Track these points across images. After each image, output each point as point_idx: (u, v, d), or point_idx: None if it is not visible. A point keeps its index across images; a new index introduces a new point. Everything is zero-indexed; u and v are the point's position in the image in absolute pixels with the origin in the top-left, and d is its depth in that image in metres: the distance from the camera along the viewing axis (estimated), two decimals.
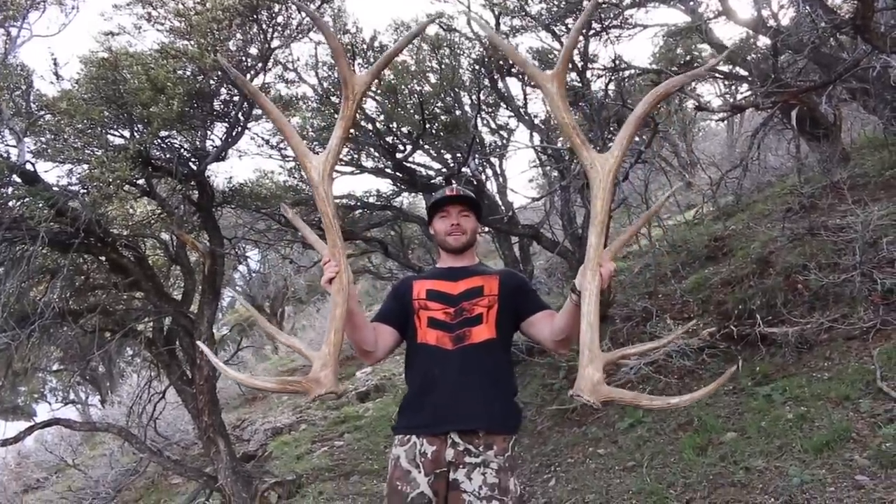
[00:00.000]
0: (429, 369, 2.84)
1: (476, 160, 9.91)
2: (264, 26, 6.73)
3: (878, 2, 5.75)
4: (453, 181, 9.00)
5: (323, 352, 2.34)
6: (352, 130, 9.15)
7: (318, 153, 2.41)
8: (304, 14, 6.86)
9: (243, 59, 6.81)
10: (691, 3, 9.15)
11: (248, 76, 6.90)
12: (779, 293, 6.57)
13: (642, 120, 2.35)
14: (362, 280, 20.95)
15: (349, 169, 10.34)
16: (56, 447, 13.69)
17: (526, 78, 9.33)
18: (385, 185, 10.52)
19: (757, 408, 5.25)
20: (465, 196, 3.05)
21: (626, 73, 9.64)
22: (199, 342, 2.88)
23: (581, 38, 9.02)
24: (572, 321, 2.53)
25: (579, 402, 2.23)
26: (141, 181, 6.81)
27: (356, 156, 10.29)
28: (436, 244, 3.19)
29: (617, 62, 9.12)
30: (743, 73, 10.70)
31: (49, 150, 6.13)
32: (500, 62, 8.76)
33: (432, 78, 9.51)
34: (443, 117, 9.77)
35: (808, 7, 6.83)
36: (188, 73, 6.48)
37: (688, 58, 12.29)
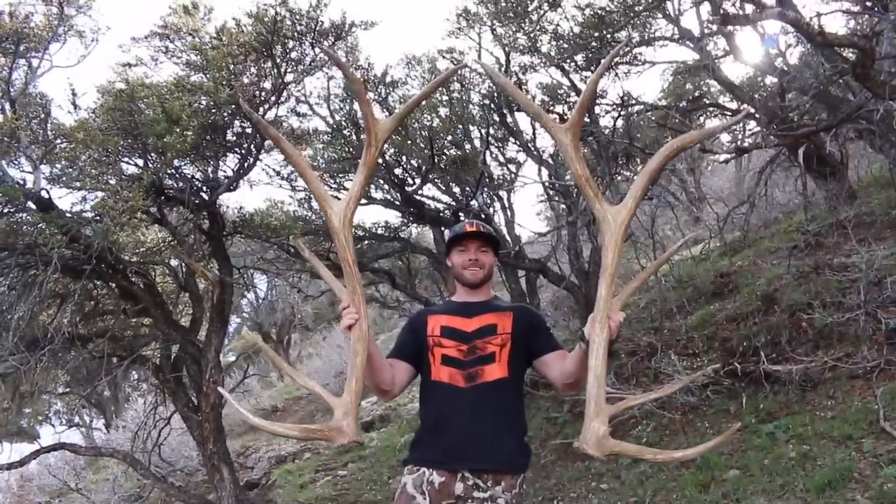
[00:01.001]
0: (442, 407, 2.86)
1: (484, 194, 9.99)
2: (278, 61, 6.86)
3: (879, 51, 5.83)
4: (462, 215, 9.09)
5: (345, 399, 2.37)
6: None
7: (334, 191, 2.47)
8: (317, 50, 7.01)
9: (257, 92, 6.93)
10: (700, 41, 9.25)
11: (262, 109, 7.02)
12: (783, 331, 6.58)
13: (657, 173, 2.38)
14: (369, 309, 20.93)
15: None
16: (59, 471, 13.65)
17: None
18: (394, 217, 10.60)
19: (760, 445, 5.26)
20: (485, 233, 3.08)
21: (635, 108, 9.73)
22: (220, 388, 2.90)
23: (590, 74, 9.14)
24: (581, 368, 2.56)
25: (583, 453, 2.24)
26: (153, 209, 6.90)
27: (366, 188, 10.36)
28: (452, 277, 3.21)
29: (625, 98, 9.22)
30: (751, 110, 10.78)
31: (64, 178, 6.24)
32: (510, 98, 8.86)
33: (442, 112, 9.62)
34: (452, 151, 9.86)
35: (812, 50, 6.92)
36: (203, 106, 6.59)
37: (696, 94, 12.39)
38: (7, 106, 6.42)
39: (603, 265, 2.32)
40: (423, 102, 9.11)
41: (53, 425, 22.03)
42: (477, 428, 2.78)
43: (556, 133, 2.39)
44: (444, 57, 9.71)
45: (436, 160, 8.86)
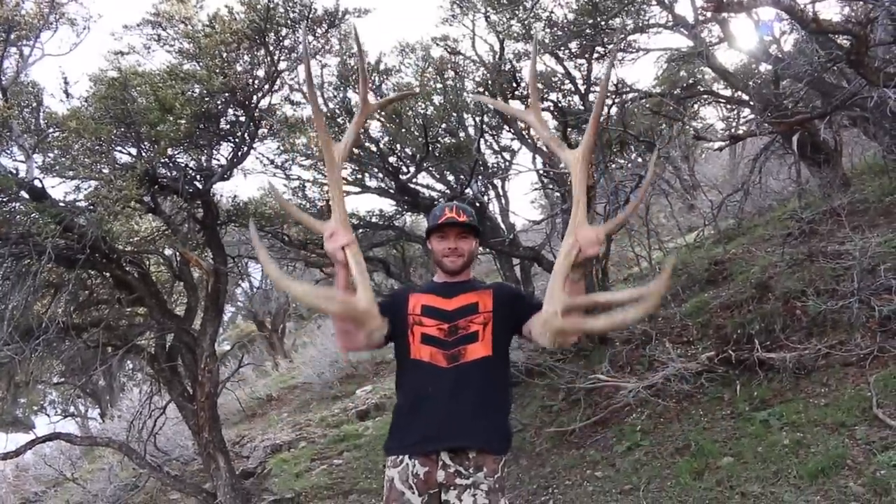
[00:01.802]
0: (421, 386, 2.85)
1: (479, 182, 9.98)
2: (272, 49, 6.82)
3: (873, 38, 5.83)
4: (454, 201, 9.07)
5: (366, 294, 2.46)
6: (356, 150, 9.24)
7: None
8: (311, 38, 6.98)
9: (250, 80, 6.90)
10: (694, 28, 9.24)
11: (255, 98, 6.99)
12: (777, 318, 6.60)
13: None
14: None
15: (354, 189, 10.42)
16: (55, 461, 13.66)
17: (529, 102, 9.40)
18: (388, 206, 10.58)
19: (754, 433, 5.28)
20: (463, 221, 3.04)
21: (629, 96, 9.73)
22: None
23: (584, 62, 9.14)
24: None
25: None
26: (147, 198, 6.88)
27: (360, 176, 10.36)
28: (433, 261, 3.21)
29: (619, 85, 9.21)
30: (745, 97, 10.78)
31: (57, 167, 6.21)
32: (503, 85, 8.84)
33: (436, 100, 9.59)
34: (446, 139, 9.84)
35: (806, 37, 6.92)
36: (196, 94, 6.56)
37: (690, 81, 12.38)
38: None
39: (573, 193, 2.44)
40: (418, 90, 9.12)
41: (49, 415, 22.06)
42: (457, 408, 2.78)
43: (568, 158, 2.54)
44: (437, 44, 9.69)
45: (430, 148, 8.83)
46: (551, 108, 9.39)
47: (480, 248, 3.17)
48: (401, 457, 2.83)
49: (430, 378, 2.83)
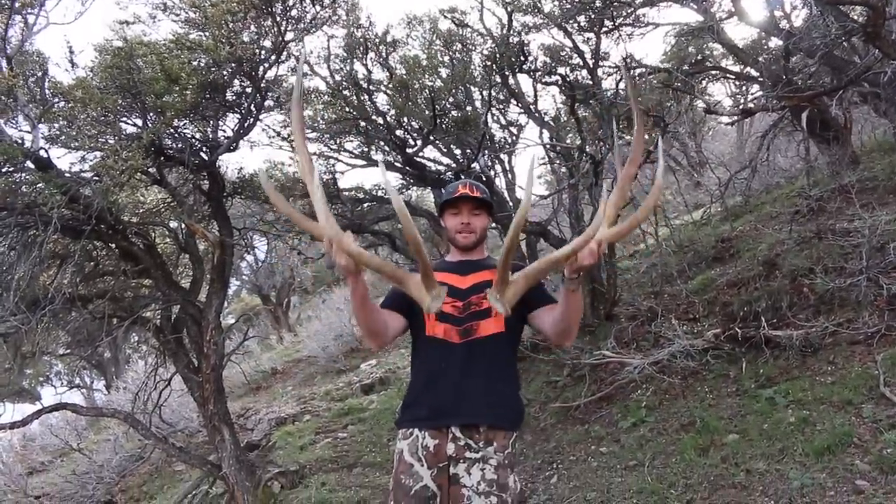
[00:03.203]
0: (434, 362, 2.86)
1: (486, 156, 9.93)
2: (278, 19, 6.76)
3: (890, 9, 5.74)
4: (463, 177, 9.03)
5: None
6: (363, 123, 9.19)
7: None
8: (318, 7, 6.91)
9: (257, 51, 6.83)
10: (704, 2, 9.13)
11: (262, 68, 6.93)
12: (784, 296, 6.58)
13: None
14: (368, 272, 20.96)
15: (360, 162, 10.38)
16: (61, 431, 13.78)
17: (537, 75, 9.34)
18: (394, 179, 10.54)
19: (759, 410, 5.28)
20: (477, 196, 3.04)
21: (637, 71, 9.64)
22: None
23: (593, 35, 9.04)
24: (567, 311, 2.61)
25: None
26: (152, 170, 6.85)
27: (366, 149, 10.32)
28: (445, 238, 3.19)
29: (628, 60, 9.12)
30: (754, 73, 10.68)
31: (63, 137, 6.17)
32: (512, 59, 8.76)
33: (444, 73, 9.52)
34: (454, 113, 9.78)
35: (819, 10, 6.83)
36: (202, 64, 6.51)
37: (699, 57, 12.27)
38: (3, 63, 6.32)
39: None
40: (425, 63, 9.05)
41: (55, 386, 22.24)
42: (469, 382, 2.79)
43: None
44: (445, 16, 9.58)
45: (437, 122, 8.78)
46: (559, 83, 9.30)
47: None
48: (411, 429, 2.84)
49: (442, 353, 2.83)
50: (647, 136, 10.58)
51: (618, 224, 2.51)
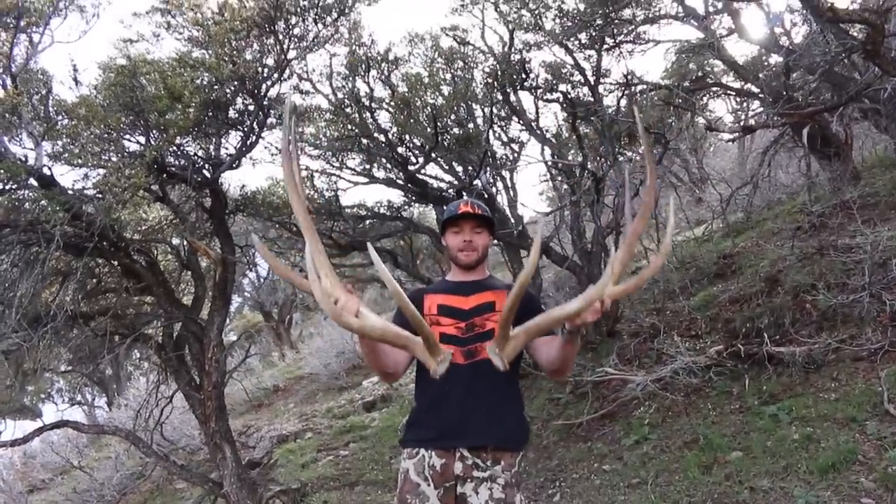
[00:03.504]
0: (439, 385, 2.81)
1: (487, 173, 9.95)
2: (281, 37, 6.80)
3: (889, 26, 5.77)
4: (465, 194, 9.04)
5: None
6: (364, 140, 9.22)
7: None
8: (320, 25, 6.95)
9: (260, 69, 6.87)
10: (704, 20, 9.17)
11: (264, 86, 6.97)
12: (787, 312, 6.57)
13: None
14: (370, 289, 21.01)
15: (362, 179, 10.40)
16: (62, 448, 13.74)
17: (538, 92, 9.38)
18: (396, 196, 10.57)
19: (763, 427, 5.26)
20: (479, 214, 3.04)
21: (638, 88, 9.67)
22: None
23: (594, 53, 9.08)
24: (561, 357, 2.63)
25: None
26: (155, 187, 6.87)
27: (368, 166, 10.35)
28: (446, 257, 3.18)
29: (629, 77, 9.15)
30: (755, 90, 10.71)
31: (66, 155, 6.20)
32: (513, 76, 8.80)
33: (446, 91, 9.56)
34: (455, 130, 9.81)
35: (819, 28, 6.85)
36: (205, 82, 6.54)
37: (700, 74, 12.31)
38: (8, 81, 6.37)
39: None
40: (427, 81, 9.09)
41: (56, 403, 22.21)
42: (474, 405, 2.78)
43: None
44: (447, 34, 9.64)
45: (439, 139, 8.80)
46: (560, 100, 9.34)
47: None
48: (417, 448, 2.83)
49: (447, 376, 2.81)
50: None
51: (624, 282, 2.51)
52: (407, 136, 9.49)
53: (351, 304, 2.32)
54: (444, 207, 10.24)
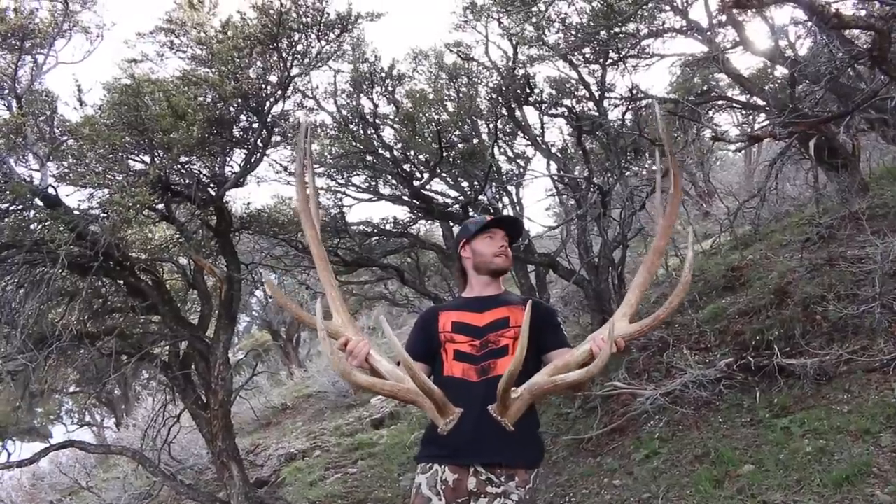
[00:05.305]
0: (453, 402, 2.81)
1: (493, 188, 9.94)
2: (284, 54, 6.81)
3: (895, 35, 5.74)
4: (471, 209, 9.04)
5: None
6: (369, 157, 9.23)
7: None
8: (323, 42, 6.98)
9: (263, 86, 6.89)
10: (709, 33, 9.16)
11: (268, 104, 6.98)
12: (797, 324, 6.51)
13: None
14: (378, 306, 20.97)
15: (367, 196, 10.41)
16: (70, 469, 13.67)
17: (543, 107, 9.38)
18: (402, 213, 10.58)
19: (775, 440, 5.19)
20: (513, 219, 3.09)
21: (643, 102, 9.66)
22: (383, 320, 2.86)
23: (598, 67, 9.08)
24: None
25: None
26: (160, 206, 6.87)
27: (373, 183, 10.35)
28: (471, 267, 3.11)
29: (634, 91, 9.14)
30: (760, 102, 10.69)
31: (71, 175, 6.21)
32: (518, 91, 8.80)
33: (450, 106, 9.57)
34: (460, 145, 9.82)
35: (825, 38, 6.83)
36: (209, 100, 6.55)
37: (705, 87, 12.30)
38: (13, 103, 6.40)
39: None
40: (431, 97, 9.11)
41: (65, 424, 22.17)
42: (489, 422, 2.73)
43: None
44: (451, 50, 9.66)
45: (444, 154, 8.80)
46: (565, 114, 9.34)
47: None
48: (430, 463, 2.82)
49: (461, 392, 2.76)
50: (654, 167, 10.59)
51: (638, 322, 2.51)
52: (412, 152, 9.50)
53: (361, 348, 2.37)
54: (452, 224, 10.26)
